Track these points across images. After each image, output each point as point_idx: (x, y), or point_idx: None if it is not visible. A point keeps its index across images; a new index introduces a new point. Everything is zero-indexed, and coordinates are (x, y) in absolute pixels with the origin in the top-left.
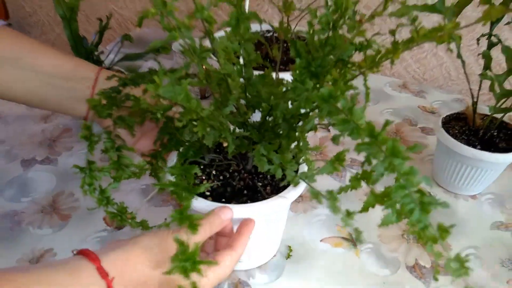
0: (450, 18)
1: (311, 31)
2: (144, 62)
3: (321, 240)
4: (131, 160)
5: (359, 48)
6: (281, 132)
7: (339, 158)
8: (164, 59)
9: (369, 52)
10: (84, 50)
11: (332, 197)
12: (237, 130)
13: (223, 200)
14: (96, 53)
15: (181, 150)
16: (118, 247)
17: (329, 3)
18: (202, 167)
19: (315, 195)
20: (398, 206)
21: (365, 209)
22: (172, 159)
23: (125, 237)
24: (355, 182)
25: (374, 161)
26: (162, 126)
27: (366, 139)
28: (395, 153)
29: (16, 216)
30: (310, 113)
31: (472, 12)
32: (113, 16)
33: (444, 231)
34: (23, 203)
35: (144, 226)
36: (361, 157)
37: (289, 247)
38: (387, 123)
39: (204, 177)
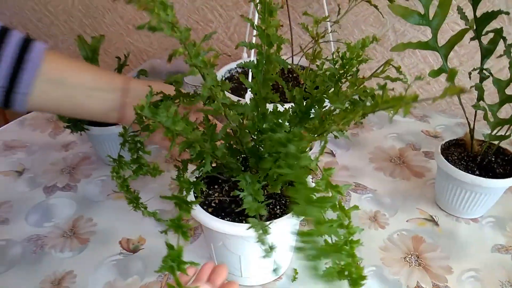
0: (443, 53)
1: (313, 81)
2: None
3: (326, 263)
4: (146, 161)
5: (350, 103)
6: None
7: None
8: None
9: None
10: None
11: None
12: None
13: (223, 214)
14: None
15: (200, 163)
16: None
17: (336, 58)
18: (220, 181)
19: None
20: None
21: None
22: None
23: (140, 261)
24: None
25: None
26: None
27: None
28: (309, 200)
29: (39, 240)
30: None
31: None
32: (128, 48)
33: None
34: (46, 228)
35: (155, 216)
36: (367, 183)
37: (295, 270)
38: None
39: (218, 190)
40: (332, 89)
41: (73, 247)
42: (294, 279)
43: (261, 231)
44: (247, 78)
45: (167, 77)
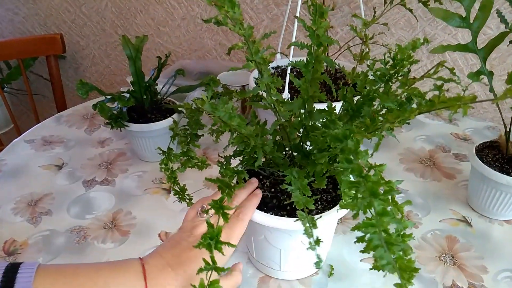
0: (482, 56)
1: (364, 81)
2: (191, 92)
3: (361, 260)
4: (195, 154)
5: (400, 104)
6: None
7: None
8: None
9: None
10: (144, 84)
11: (312, 223)
12: (275, 150)
13: (265, 208)
14: (155, 87)
15: (241, 158)
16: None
17: (387, 59)
18: (261, 177)
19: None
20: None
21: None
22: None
23: None
24: None
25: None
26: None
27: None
28: (376, 193)
29: (81, 231)
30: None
31: (503, 44)
32: (158, 49)
33: (405, 270)
34: (87, 220)
35: None
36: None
37: (331, 266)
38: (371, 166)
39: (259, 186)
40: (382, 88)
41: (115, 239)
42: (330, 274)
43: (308, 224)
44: (285, 78)
45: (196, 77)
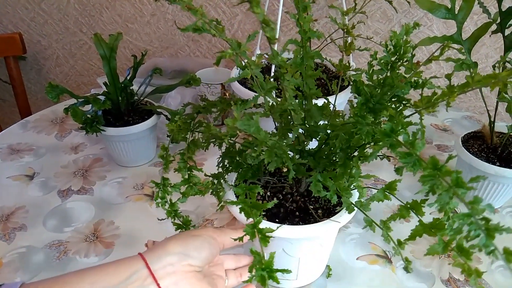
0: (467, 47)
1: (370, 71)
2: (169, 91)
3: (357, 258)
4: (199, 179)
5: (415, 86)
6: (337, 160)
7: (390, 187)
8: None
9: (425, 92)
10: (120, 85)
11: (385, 226)
12: (296, 157)
13: (277, 220)
14: (131, 87)
15: (240, 171)
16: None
17: (389, 47)
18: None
19: (369, 223)
20: (446, 237)
21: (412, 237)
22: (231, 179)
23: None
24: (404, 211)
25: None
26: (225, 151)
27: (430, 171)
28: (460, 184)
29: (61, 246)
30: (367, 145)
31: (487, 39)
32: (127, 47)
33: (510, 254)
34: (66, 233)
35: None
36: (385, 176)
37: (328, 266)
38: (450, 157)
39: (259, 198)
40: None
41: (99, 252)
42: (328, 275)
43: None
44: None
45: (171, 75)
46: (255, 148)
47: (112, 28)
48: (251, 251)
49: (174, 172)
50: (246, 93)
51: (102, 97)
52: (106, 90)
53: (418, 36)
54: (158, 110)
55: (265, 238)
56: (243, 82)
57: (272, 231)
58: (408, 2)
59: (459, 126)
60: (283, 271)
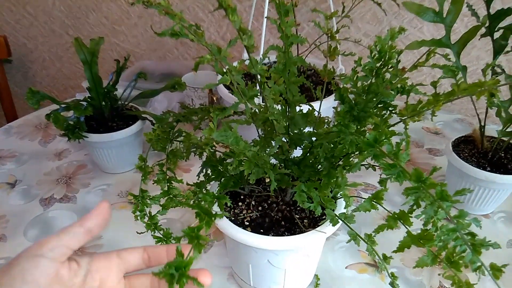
0: (456, 51)
1: (355, 78)
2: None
3: (346, 267)
4: (179, 191)
5: (401, 91)
6: (321, 169)
7: (377, 197)
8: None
9: (411, 100)
10: (103, 91)
11: (370, 240)
12: (279, 166)
13: (261, 230)
14: (115, 92)
15: (222, 180)
16: None
17: (374, 53)
18: (242, 197)
19: (354, 236)
20: (434, 249)
21: (400, 249)
22: (214, 189)
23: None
24: (391, 222)
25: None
26: (206, 160)
27: (413, 184)
28: (444, 197)
29: None
30: (352, 154)
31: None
32: (114, 49)
33: (497, 270)
34: None
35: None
36: (375, 182)
37: (316, 275)
38: (434, 169)
39: (244, 207)
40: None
41: None
42: (316, 285)
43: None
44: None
45: (159, 79)
46: (236, 158)
47: (99, 31)
48: (177, 250)
49: (153, 184)
50: (232, 98)
51: (84, 103)
52: (88, 95)
53: (408, 38)
54: (143, 115)
55: (200, 246)
56: (229, 87)
57: (208, 241)
58: (397, 4)
59: (450, 129)
60: (195, 281)
